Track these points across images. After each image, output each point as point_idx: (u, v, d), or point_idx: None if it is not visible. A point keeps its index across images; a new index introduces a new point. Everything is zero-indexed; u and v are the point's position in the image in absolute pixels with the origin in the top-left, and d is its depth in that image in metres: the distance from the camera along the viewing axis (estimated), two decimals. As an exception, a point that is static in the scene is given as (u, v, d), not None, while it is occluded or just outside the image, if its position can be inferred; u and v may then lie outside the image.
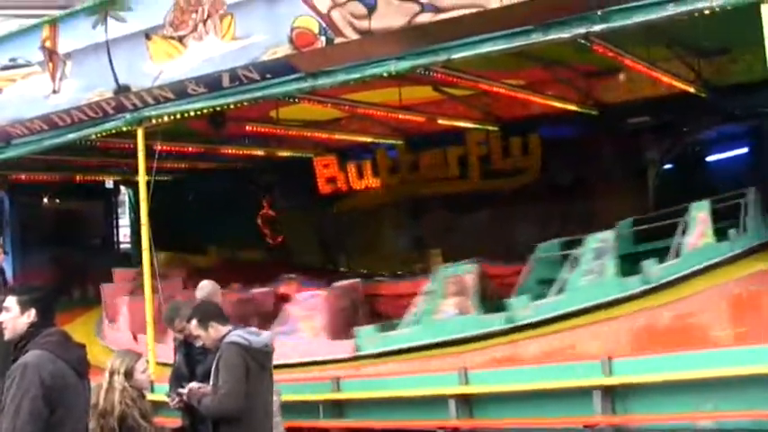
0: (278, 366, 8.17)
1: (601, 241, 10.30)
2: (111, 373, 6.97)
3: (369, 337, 10.91)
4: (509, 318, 10.20)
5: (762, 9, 7.58)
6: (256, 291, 14.00)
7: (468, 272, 10.87)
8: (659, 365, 8.24)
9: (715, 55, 14.22)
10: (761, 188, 12.14)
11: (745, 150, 17.53)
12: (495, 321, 10.28)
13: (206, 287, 9.94)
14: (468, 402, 9.19)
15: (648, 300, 9.83)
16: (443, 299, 10.70)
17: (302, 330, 11.43)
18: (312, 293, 12.06)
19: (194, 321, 7.65)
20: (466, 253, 13.05)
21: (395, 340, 10.73)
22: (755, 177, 13.35)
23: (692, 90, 14.67)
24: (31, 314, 5.66)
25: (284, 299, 13.21)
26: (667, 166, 17.69)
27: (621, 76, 15.37)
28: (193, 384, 7.65)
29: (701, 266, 10.16)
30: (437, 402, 9.31)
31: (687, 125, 16.85)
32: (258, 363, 7.34)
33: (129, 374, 6.94)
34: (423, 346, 10.45)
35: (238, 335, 7.32)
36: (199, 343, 7.84)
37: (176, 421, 8.70)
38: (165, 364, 10.72)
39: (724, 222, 11.20)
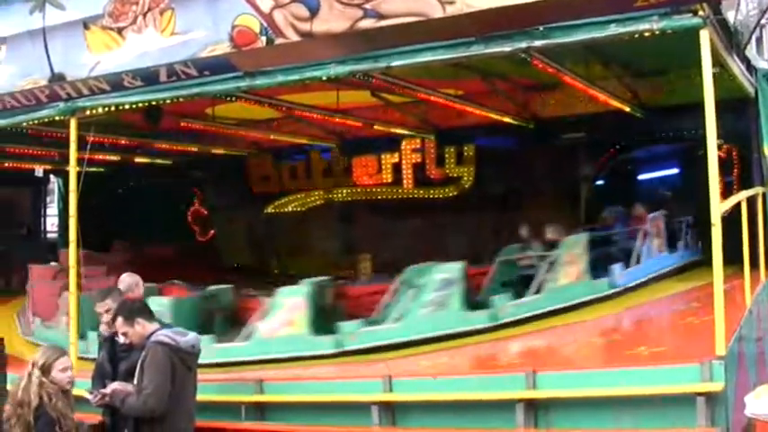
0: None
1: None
2: (32, 367, 6.86)
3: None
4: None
5: (700, 34, 7.71)
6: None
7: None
8: (582, 381, 8.31)
9: (651, 76, 14.38)
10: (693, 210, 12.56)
11: (675, 171, 17.84)
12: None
13: (126, 280, 9.81)
14: (390, 409, 9.16)
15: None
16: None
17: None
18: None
19: (120, 318, 7.54)
20: (396, 259, 13.09)
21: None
22: (685, 197, 13.61)
23: (626, 109, 14.87)
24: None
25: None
26: (600, 182, 17.92)
27: (558, 92, 15.51)
28: (116, 384, 7.53)
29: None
30: (359, 408, 9.26)
31: (620, 143, 17.08)
32: (184, 363, 7.26)
33: (46, 370, 6.81)
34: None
35: (165, 334, 7.23)
36: (124, 340, 7.72)
37: (96, 417, 8.59)
38: (87, 359, 10.56)
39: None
